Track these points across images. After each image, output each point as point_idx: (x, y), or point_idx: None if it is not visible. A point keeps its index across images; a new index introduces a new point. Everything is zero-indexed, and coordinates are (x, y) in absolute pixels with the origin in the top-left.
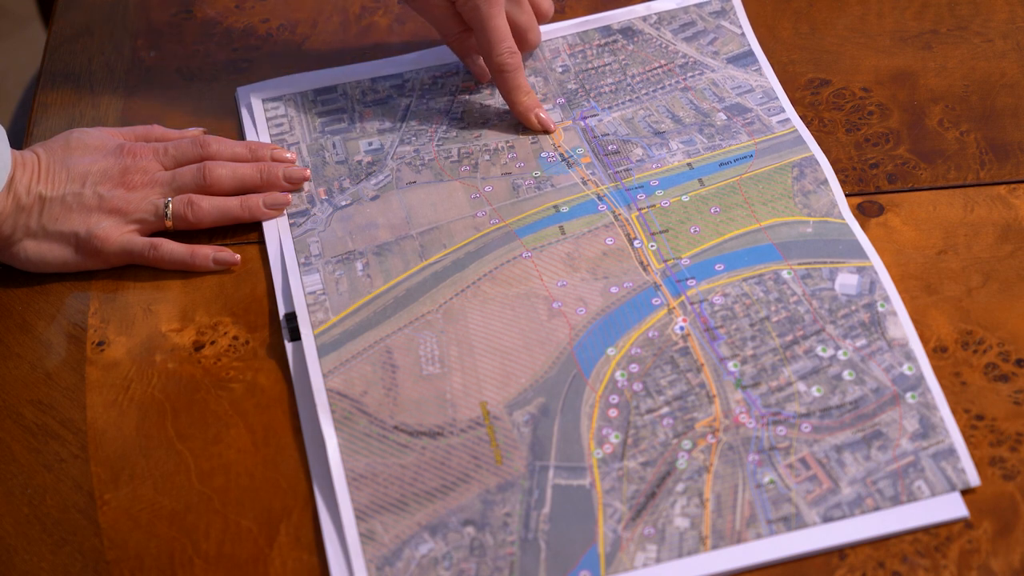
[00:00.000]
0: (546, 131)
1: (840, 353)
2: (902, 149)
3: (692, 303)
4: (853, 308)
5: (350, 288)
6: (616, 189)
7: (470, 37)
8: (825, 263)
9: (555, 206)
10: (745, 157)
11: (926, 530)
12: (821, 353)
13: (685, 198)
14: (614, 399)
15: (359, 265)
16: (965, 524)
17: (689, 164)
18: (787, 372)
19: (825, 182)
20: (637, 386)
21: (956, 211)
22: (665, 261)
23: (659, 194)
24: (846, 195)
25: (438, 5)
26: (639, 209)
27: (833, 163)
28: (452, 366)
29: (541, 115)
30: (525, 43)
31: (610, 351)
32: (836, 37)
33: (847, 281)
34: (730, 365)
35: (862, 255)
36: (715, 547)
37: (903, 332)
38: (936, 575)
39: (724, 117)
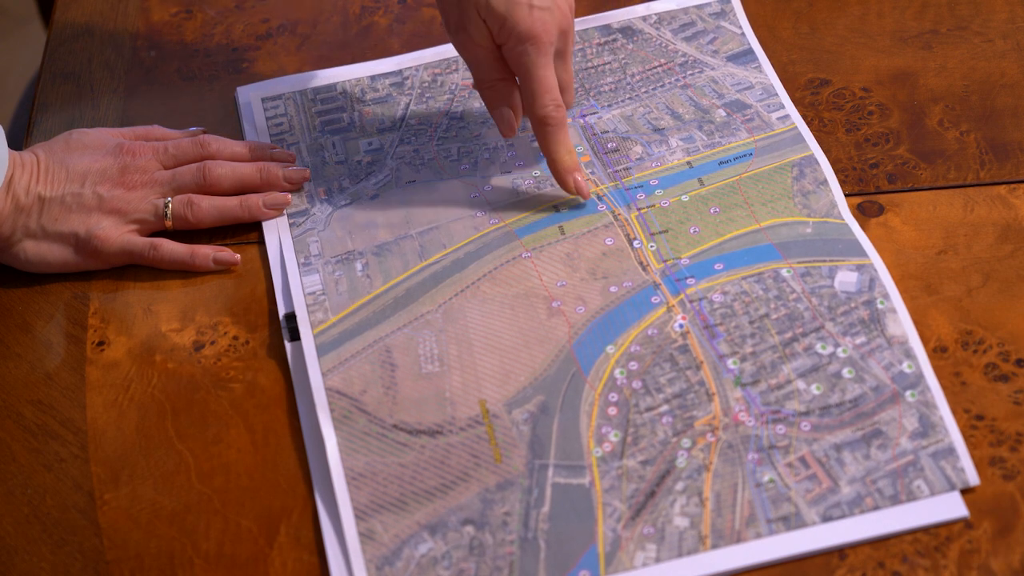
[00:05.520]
0: (581, 196)
1: (840, 351)
2: (902, 149)
3: (691, 301)
4: (852, 305)
5: (349, 288)
6: (616, 188)
7: (506, 87)
8: (824, 261)
9: (554, 206)
10: (745, 155)
11: (926, 530)
12: (820, 351)
13: (685, 198)
14: (613, 397)
15: (359, 265)
16: (965, 524)
17: (689, 163)
18: (786, 370)
19: (825, 182)
20: (636, 384)
21: (956, 211)
22: (664, 261)
23: (659, 193)
24: (846, 195)
25: (482, 46)
26: (639, 209)
27: (833, 163)
28: (451, 364)
29: (579, 178)
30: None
31: (609, 349)
32: (836, 37)
33: (846, 278)
34: (729, 363)
35: (861, 253)
36: (715, 546)
37: (903, 329)
38: (936, 575)
39: (724, 113)
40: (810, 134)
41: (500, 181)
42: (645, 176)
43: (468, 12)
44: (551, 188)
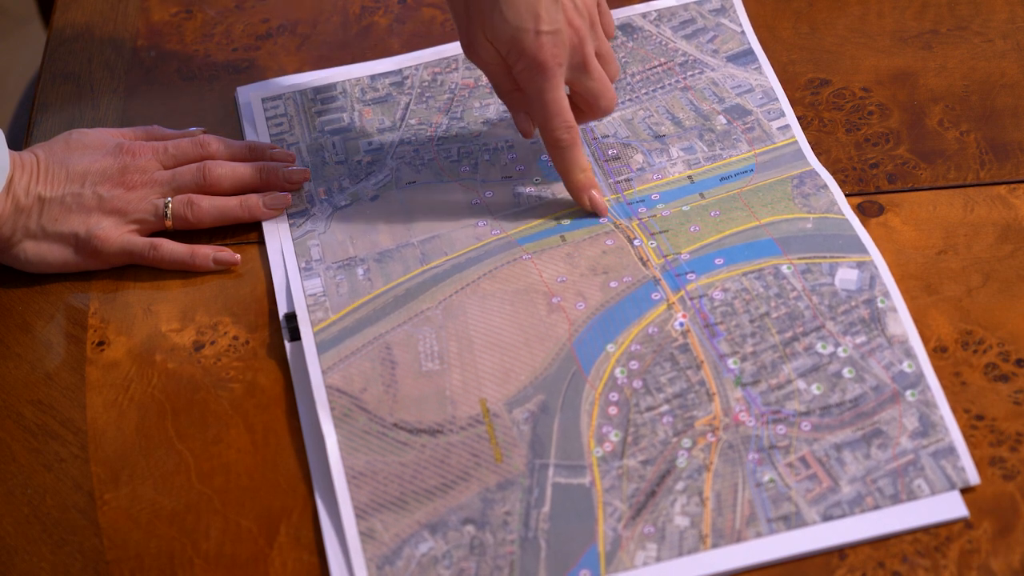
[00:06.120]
0: (597, 213)
1: (840, 350)
2: (902, 149)
3: (692, 298)
4: (853, 304)
5: (350, 290)
6: (617, 202)
7: (522, 96)
8: (825, 258)
9: (556, 218)
10: (745, 171)
11: (926, 530)
12: (821, 350)
13: (686, 207)
14: (614, 396)
15: (360, 271)
16: (965, 524)
17: (690, 177)
18: (787, 369)
19: (825, 187)
20: (637, 383)
21: (956, 211)
22: (664, 256)
23: (660, 207)
24: (846, 195)
25: (492, 63)
26: (639, 219)
27: (833, 163)
28: (451, 362)
29: (595, 195)
30: (596, 110)
31: (610, 348)
32: (836, 37)
33: (847, 276)
34: (730, 362)
35: (862, 250)
36: (715, 546)
37: (903, 329)
38: (936, 575)
39: (724, 120)
40: (810, 150)
41: (501, 187)
42: (646, 189)
43: (476, 35)
44: (552, 197)
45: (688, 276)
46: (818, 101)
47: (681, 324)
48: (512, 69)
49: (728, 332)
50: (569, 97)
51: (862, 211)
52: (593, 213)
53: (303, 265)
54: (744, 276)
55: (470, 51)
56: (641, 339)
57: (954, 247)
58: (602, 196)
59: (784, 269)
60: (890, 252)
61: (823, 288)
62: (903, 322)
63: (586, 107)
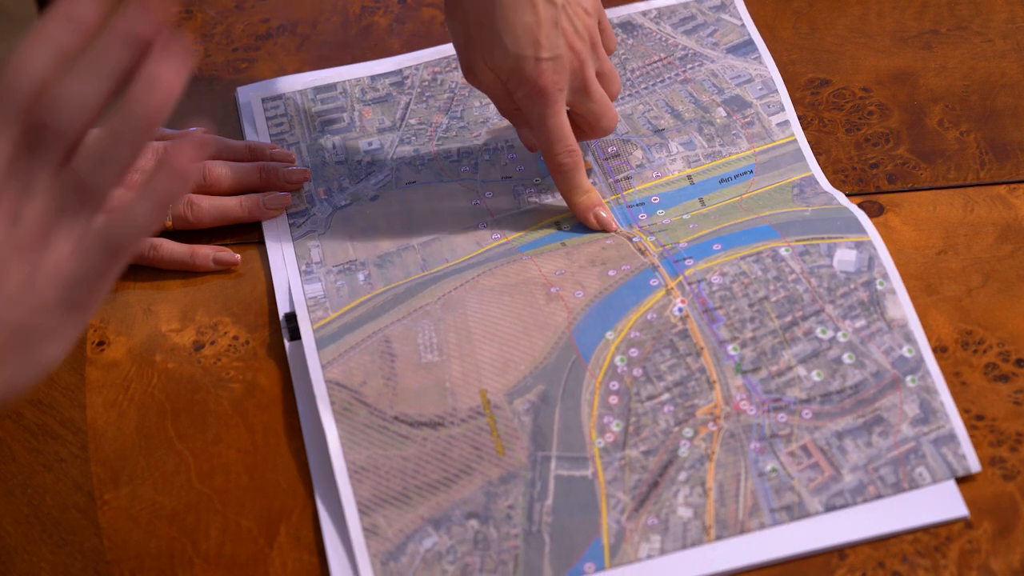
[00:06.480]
0: (605, 230)
1: (840, 335)
2: (902, 149)
3: (690, 283)
4: (852, 287)
5: (350, 292)
6: (617, 204)
7: (523, 114)
8: (823, 238)
9: (556, 223)
10: (745, 173)
11: (926, 530)
12: (820, 335)
13: (686, 216)
14: (614, 385)
15: (360, 276)
16: (965, 524)
17: (689, 177)
18: (787, 356)
19: (826, 192)
20: (637, 371)
21: (956, 211)
22: (663, 245)
23: (660, 213)
24: (847, 195)
25: (492, 86)
26: (640, 226)
27: (833, 163)
28: (451, 354)
29: (601, 214)
30: (598, 130)
31: (609, 335)
32: (836, 37)
33: (845, 257)
34: (730, 348)
35: (860, 230)
36: (719, 537)
37: (902, 312)
38: (936, 575)
39: (724, 113)
40: (809, 149)
41: (501, 187)
42: (646, 189)
43: (476, 62)
44: (552, 199)
45: (686, 262)
46: (818, 101)
47: (680, 310)
48: (513, 95)
49: (727, 317)
50: (570, 116)
51: (862, 211)
52: (603, 230)
53: (304, 268)
54: (742, 260)
55: (470, 75)
56: (640, 326)
57: (954, 247)
58: (608, 212)
59: (782, 252)
60: (890, 252)
61: (821, 270)
62: (902, 305)
63: (587, 127)
